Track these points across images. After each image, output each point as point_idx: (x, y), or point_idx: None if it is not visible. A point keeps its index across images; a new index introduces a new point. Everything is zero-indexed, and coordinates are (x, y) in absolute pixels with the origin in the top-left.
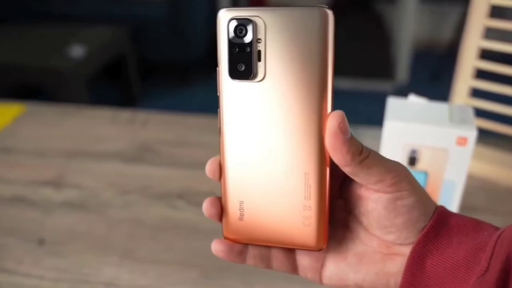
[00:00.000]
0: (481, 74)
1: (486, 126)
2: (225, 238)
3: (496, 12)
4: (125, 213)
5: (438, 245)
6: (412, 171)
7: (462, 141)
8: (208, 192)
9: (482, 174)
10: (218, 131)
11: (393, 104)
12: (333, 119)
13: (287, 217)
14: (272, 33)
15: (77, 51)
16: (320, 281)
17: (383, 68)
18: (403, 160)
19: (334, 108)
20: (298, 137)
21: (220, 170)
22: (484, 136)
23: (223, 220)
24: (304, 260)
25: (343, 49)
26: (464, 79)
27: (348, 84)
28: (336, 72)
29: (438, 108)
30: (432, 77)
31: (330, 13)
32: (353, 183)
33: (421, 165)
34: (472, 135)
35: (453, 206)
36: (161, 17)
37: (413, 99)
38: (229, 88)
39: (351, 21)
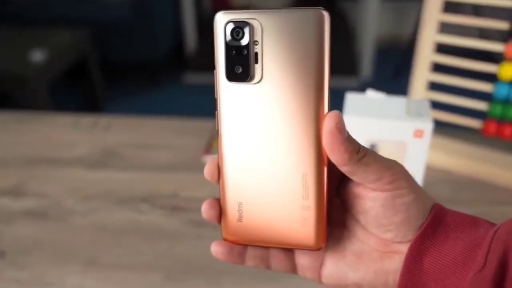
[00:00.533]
0: (440, 68)
1: (444, 118)
2: (224, 239)
3: (451, 7)
4: (89, 219)
5: (435, 242)
6: None
7: (419, 134)
8: (173, 195)
9: (442, 165)
10: (216, 134)
11: (351, 99)
12: (330, 119)
13: (286, 217)
14: (268, 35)
15: (37, 55)
16: (319, 281)
17: (347, 64)
18: None
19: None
20: (296, 138)
21: (219, 172)
22: (444, 128)
23: (222, 222)
24: (303, 260)
25: None
26: (421, 73)
27: None
28: None
29: (395, 102)
30: (395, 72)
31: (326, 15)
32: (351, 182)
33: None
34: (428, 127)
35: None
36: (124, 17)
37: (371, 94)
38: (226, 90)
39: None
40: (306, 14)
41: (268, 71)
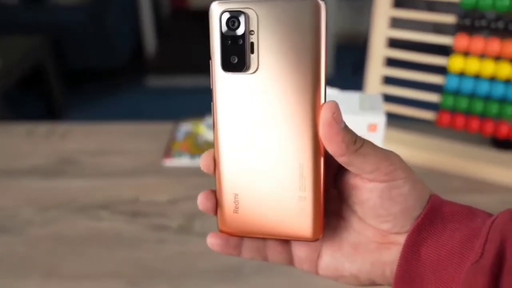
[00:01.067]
0: (395, 62)
1: (399, 111)
2: (220, 231)
3: (405, 2)
4: (47, 230)
5: (432, 232)
6: None
7: (373, 128)
8: (133, 200)
9: None
10: (212, 124)
11: None
12: (327, 110)
13: (282, 208)
14: (264, 25)
15: None
16: (316, 272)
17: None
18: None
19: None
20: (292, 128)
21: (214, 163)
22: (399, 120)
23: (218, 213)
24: (299, 252)
25: None
26: (375, 68)
27: None
28: None
29: (349, 97)
30: (354, 69)
31: (322, 5)
32: (348, 173)
33: None
34: (381, 121)
35: None
36: (80, 22)
37: (328, 91)
38: (222, 81)
39: None
40: (302, 3)
41: (264, 61)
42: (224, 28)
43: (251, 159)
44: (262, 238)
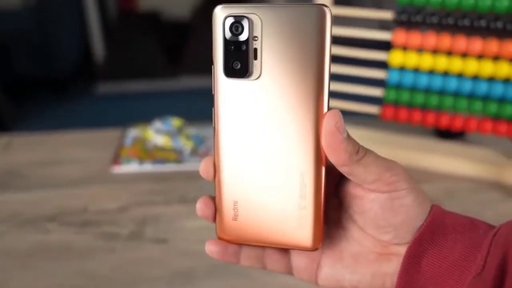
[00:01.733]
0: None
1: (345, 106)
2: (219, 238)
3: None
4: None
5: (433, 244)
6: None
7: None
8: (82, 210)
9: None
10: (213, 130)
11: None
12: (330, 118)
13: (282, 217)
14: (268, 31)
15: None
16: (316, 283)
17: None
18: None
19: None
20: (294, 136)
21: (214, 169)
22: (344, 116)
23: (217, 220)
24: (299, 261)
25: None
26: None
27: None
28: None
29: None
30: None
31: (328, 11)
32: (349, 183)
33: None
34: None
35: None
36: (25, 30)
37: None
38: (224, 86)
39: None
40: (308, 10)
41: (267, 67)
42: (228, 33)
43: (252, 166)
44: (261, 246)
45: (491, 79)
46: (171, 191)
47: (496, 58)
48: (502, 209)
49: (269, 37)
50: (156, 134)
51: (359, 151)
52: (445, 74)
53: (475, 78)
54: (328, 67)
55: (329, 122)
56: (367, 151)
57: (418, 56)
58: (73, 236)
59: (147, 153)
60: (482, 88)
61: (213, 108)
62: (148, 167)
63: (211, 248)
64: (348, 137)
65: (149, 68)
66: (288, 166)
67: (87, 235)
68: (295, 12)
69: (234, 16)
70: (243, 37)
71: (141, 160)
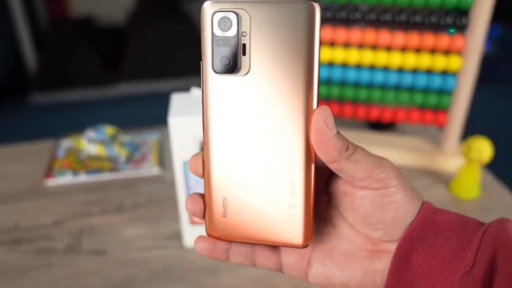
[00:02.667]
0: None
1: None
2: (208, 235)
3: None
4: None
5: (424, 241)
6: None
7: None
8: (13, 227)
9: None
10: (201, 127)
11: (176, 100)
12: (319, 115)
13: (272, 214)
14: (257, 27)
15: None
16: (306, 279)
17: (199, 64)
18: (194, 151)
19: (318, 103)
20: (283, 132)
21: (203, 166)
22: None
23: (206, 217)
24: (289, 258)
25: (162, 51)
26: None
27: (168, 85)
28: (158, 76)
29: None
30: None
31: (317, 7)
32: (339, 180)
33: None
34: None
35: None
36: None
37: (196, 92)
38: (212, 82)
39: (162, 24)
40: (297, 5)
41: (256, 63)
42: (216, 29)
43: (241, 162)
44: (251, 243)
45: (414, 71)
46: (107, 201)
47: (418, 50)
48: (432, 193)
49: (257, 32)
50: (90, 143)
51: (348, 148)
52: (372, 68)
53: (400, 70)
54: (317, 63)
55: (318, 118)
56: (357, 148)
57: (345, 52)
58: (5, 255)
59: (81, 163)
60: (407, 79)
61: (202, 105)
62: (82, 178)
63: (200, 245)
64: (338, 133)
65: (85, 76)
66: (277, 163)
67: (20, 253)
68: (284, 7)
69: (222, 11)
70: (231, 32)
71: (75, 171)
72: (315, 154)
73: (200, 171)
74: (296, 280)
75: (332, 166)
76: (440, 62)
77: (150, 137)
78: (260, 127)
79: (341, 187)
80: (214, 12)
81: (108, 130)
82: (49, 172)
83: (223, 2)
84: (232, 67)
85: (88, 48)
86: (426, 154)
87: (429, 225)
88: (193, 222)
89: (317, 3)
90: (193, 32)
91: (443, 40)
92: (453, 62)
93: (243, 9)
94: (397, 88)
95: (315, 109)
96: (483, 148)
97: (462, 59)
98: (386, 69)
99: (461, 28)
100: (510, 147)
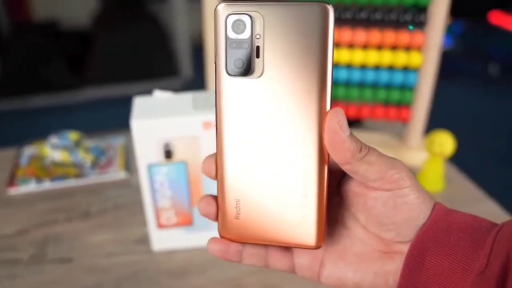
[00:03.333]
0: None
1: None
2: (221, 237)
3: None
4: None
5: (436, 242)
6: (171, 164)
7: (207, 125)
8: None
9: None
10: (215, 128)
11: (139, 103)
12: (332, 117)
13: (284, 215)
14: (271, 29)
15: None
16: (319, 281)
17: (167, 66)
18: (158, 154)
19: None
20: (296, 134)
21: (216, 167)
22: None
23: (219, 219)
24: (301, 259)
25: (128, 54)
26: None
27: (136, 88)
28: (122, 79)
29: (182, 99)
30: None
31: (330, 10)
32: (352, 181)
33: (177, 156)
34: (214, 118)
35: None
36: None
37: (158, 95)
38: (226, 84)
39: (127, 27)
40: (310, 8)
41: (270, 65)
42: (230, 31)
43: (254, 164)
44: (263, 244)
45: (377, 68)
46: (73, 208)
47: (379, 47)
48: None
49: (271, 35)
50: (53, 150)
51: (362, 149)
52: (336, 65)
53: (363, 67)
54: (330, 65)
55: (332, 120)
56: (370, 149)
57: None
58: None
59: (45, 170)
60: (370, 76)
61: (215, 107)
62: (47, 185)
63: (213, 247)
64: (351, 135)
65: (50, 81)
66: (290, 164)
67: None
68: (297, 9)
69: (236, 14)
70: (245, 35)
71: (39, 179)
72: (328, 156)
73: (213, 173)
74: (268, 280)
75: (345, 168)
76: (401, 58)
77: (116, 142)
78: (273, 129)
79: (354, 188)
80: (228, 15)
81: (72, 135)
82: (12, 180)
83: (237, 4)
84: (246, 69)
85: (53, 53)
86: (391, 150)
87: (442, 226)
88: (160, 226)
89: (330, 5)
90: (159, 34)
91: (403, 37)
92: (414, 58)
93: (257, 12)
94: (361, 85)
95: (328, 111)
96: (445, 142)
97: (423, 55)
98: (349, 66)
99: (420, 25)
100: (474, 141)
